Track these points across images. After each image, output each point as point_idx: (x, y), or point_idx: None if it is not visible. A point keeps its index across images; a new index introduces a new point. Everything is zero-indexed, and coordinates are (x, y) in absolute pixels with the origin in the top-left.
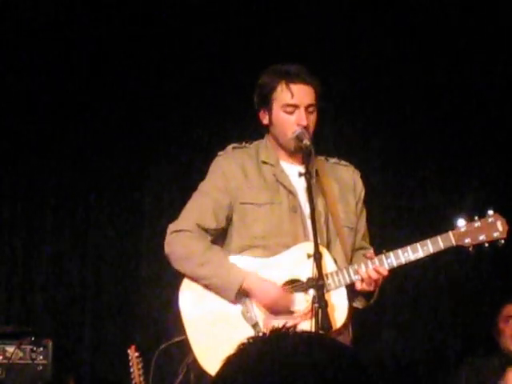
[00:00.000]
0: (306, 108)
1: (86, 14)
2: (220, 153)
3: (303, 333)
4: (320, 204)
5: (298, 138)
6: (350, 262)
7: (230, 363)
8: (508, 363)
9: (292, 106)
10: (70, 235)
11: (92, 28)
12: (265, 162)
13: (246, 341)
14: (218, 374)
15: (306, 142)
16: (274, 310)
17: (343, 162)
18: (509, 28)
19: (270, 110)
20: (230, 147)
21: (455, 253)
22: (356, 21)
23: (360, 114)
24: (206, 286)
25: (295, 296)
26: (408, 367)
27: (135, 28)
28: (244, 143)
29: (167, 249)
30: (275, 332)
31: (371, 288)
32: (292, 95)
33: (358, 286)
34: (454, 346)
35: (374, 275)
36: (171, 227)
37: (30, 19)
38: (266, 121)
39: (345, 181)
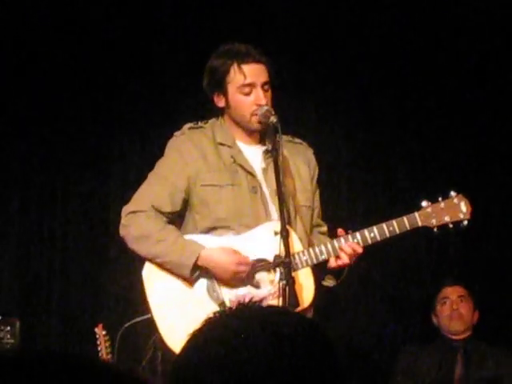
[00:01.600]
0: (262, 86)
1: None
2: (176, 133)
3: (268, 307)
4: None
5: (264, 116)
6: (309, 240)
7: (194, 338)
8: (446, 348)
9: (248, 85)
10: (37, 214)
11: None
12: (222, 144)
13: (211, 315)
14: (182, 350)
15: (273, 118)
16: (236, 279)
17: (297, 140)
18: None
19: (225, 94)
20: (185, 127)
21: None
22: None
23: (324, 95)
24: (162, 265)
25: (260, 276)
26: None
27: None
28: (199, 123)
29: (122, 231)
30: (239, 306)
31: (345, 264)
32: (246, 76)
33: (333, 263)
34: (393, 332)
35: (349, 251)
36: (126, 208)
37: None
38: (221, 104)
39: (299, 158)
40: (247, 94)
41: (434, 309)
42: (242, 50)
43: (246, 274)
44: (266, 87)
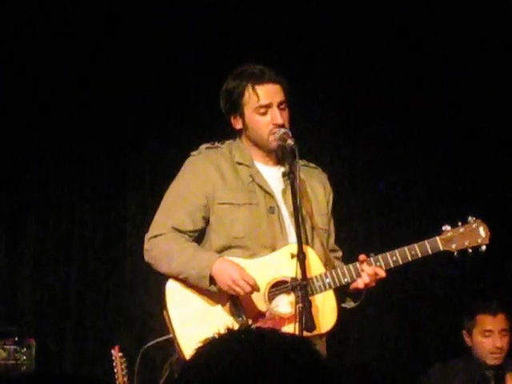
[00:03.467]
0: (278, 106)
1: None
2: (193, 153)
3: (265, 330)
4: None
5: (282, 139)
6: (327, 260)
7: (197, 356)
8: (479, 376)
9: (264, 106)
10: (54, 235)
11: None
12: (240, 163)
13: (212, 336)
14: (187, 364)
15: (290, 141)
16: (234, 293)
17: (311, 165)
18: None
19: (242, 115)
20: (203, 147)
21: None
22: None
23: (339, 117)
24: (185, 280)
25: (280, 298)
26: (378, 369)
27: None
28: (216, 143)
29: (146, 256)
30: (241, 329)
31: (368, 287)
32: (260, 97)
33: (360, 285)
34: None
35: (372, 274)
36: (147, 235)
37: None
38: (239, 125)
39: (315, 182)
40: (263, 114)
41: (469, 330)
42: (256, 71)
43: (246, 292)
44: (283, 106)
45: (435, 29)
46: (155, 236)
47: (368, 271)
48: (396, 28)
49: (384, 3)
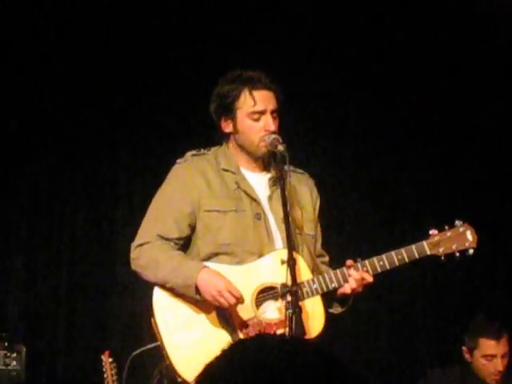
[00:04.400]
0: (271, 113)
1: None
2: (179, 160)
3: (279, 337)
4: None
5: (272, 145)
6: (315, 267)
7: (212, 367)
8: (475, 382)
9: (258, 112)
10: (44, 241)
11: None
12: (226, 170)
13: (226, 345)
14: (200, 378)
15: (281, 147)
16: (217, 303)
17: (298, 170)
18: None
19: (233, 119)
20: (188, 154)
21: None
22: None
23: (327, 119)
24: (172, 289)
25: (268, 304)
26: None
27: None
28: (202, 150)
29: (133, 265)
30: (256, 337)
31: (355, 292)
32: (256, 102)
33: (347, 290)
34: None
35: (359, 279)
36: (134, 243)
37: None
38: (228, 129)
39: (303, 188)
40: (256, 120)
41: (470, 349)
42: (254, 76)
43: (230, 304)
44: (275, 115)
45: (417, 24)
46: (141, 244)
47: (355, 276)
48: (381, 24)
49: None
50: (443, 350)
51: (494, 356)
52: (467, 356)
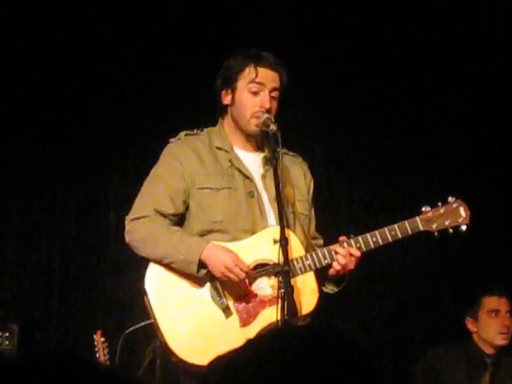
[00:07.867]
0: (270, 91)
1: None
2: (172, 139)
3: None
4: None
5: (265, 124)
6: (309, 245)
7: (236, 359)
8: (477, 362)
9: (258, 84)
10: (36, 220)
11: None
12: (219, 148)
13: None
14: (224, 370)
15: (273, 127)
16: (227, 279)
17: (291, 153)
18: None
19: (233, 90)
20: (182, 134)
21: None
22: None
23: (322, 100)
24: (171, 265)
25: (261, 281)
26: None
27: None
28: (195, 130)
29: (127, 237)
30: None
31: (347, 270)
32: (258, 75)
33: (336, 267)
34: (418, 333)
35: (346, 255)
36: (128, 217)
37: None
38: (227, 101)
39: (296, 170)
40: (254, 94)
41: (474, 314)
42: (262, 54)
43: (240, 279)
44: (274, 94)
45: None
46: (137, 218)
47: (342, 252)
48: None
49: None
50: (443, 328)
51: (498, 311)
52: (471, 327)
